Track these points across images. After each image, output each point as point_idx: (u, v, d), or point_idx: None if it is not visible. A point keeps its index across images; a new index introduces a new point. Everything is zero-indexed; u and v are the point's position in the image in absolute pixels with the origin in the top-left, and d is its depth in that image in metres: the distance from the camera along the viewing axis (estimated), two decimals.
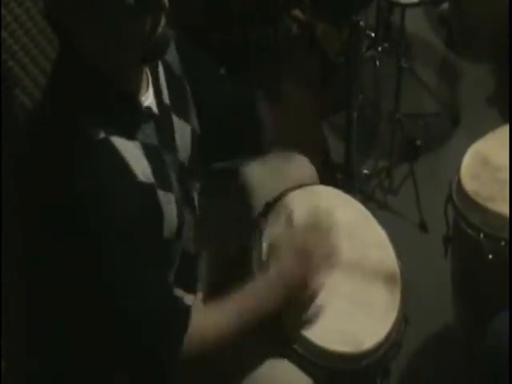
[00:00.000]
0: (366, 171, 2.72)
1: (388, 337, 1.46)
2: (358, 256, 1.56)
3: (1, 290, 1.37)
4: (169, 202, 1.28)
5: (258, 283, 1.34)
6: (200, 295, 1.48)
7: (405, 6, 2.45)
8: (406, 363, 2.10)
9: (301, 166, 1.71)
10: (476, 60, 3.18)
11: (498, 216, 1.67)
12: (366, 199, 2.59)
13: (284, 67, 2.28)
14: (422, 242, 2.47)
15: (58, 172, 1.16)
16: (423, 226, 2.55)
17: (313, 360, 1.41)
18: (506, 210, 1.65)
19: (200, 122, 1.46)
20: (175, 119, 1.38)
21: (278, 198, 1.56)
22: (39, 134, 1.22)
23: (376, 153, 2.75)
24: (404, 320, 1.52)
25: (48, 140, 1.19)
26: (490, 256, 1.68)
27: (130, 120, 1.24)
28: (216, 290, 1.38)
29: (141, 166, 1.22)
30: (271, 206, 1.54)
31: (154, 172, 1.25)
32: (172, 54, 1.40)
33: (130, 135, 1.22)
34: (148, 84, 1.31)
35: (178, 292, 1.28)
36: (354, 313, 1.47)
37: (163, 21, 1.18)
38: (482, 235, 1.70)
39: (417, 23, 3.19)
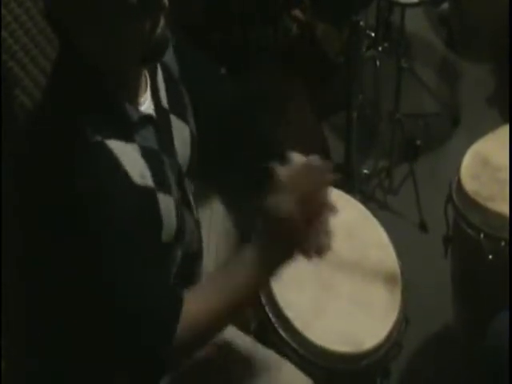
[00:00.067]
0: (366, 171, 2.72)
1: (388, 337, 1.46)
2: (358, 256, 1.56)
3: (1, 290, 1.37)
4: (168, 205, 1.28)
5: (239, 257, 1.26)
6: None
7: (405, 6, 2.45)
8: (405, 363, 2.10)
9: None
10: (476, 60, 3.18)
11: (498, 216, 1.67)
12: (366, 199, 2.59)
13: (284, 67, 2.27)
14: (422, 242, 2.47)
15: (58, 172, 1.16)
16: (423, 226, 2.55)
17: (313, 360, 1.41)
18: (506, 210, 1.65)
19: (200, 122, 1.46)
20: (174, 121, 1.38)
21: None
22: (39, 134, 1.21)
23: (376, 153, 2.76)
24: (404, 320, 1.52)
25: (48, 140, 1.19)
26: (490, 256, 1.69)
27: (129, 122, 1.24)
28: None
29: (138, 169, 1.21)
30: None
31: (154, 175, 1.24)
32: (170, 57, 1.40)
33: (127, 137, 1.22)
34: (146, 86, 1.31)
35: (180, 292, 1.28)
36: (355, 313, 1.47)
37: (162, 21, 1.18)
38: (482, 235, 1.70)
39: (417, 23, 3.19)
